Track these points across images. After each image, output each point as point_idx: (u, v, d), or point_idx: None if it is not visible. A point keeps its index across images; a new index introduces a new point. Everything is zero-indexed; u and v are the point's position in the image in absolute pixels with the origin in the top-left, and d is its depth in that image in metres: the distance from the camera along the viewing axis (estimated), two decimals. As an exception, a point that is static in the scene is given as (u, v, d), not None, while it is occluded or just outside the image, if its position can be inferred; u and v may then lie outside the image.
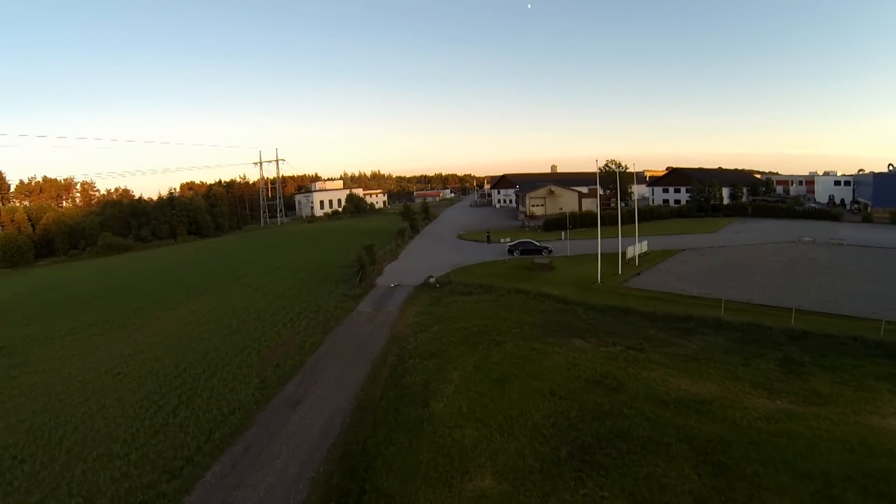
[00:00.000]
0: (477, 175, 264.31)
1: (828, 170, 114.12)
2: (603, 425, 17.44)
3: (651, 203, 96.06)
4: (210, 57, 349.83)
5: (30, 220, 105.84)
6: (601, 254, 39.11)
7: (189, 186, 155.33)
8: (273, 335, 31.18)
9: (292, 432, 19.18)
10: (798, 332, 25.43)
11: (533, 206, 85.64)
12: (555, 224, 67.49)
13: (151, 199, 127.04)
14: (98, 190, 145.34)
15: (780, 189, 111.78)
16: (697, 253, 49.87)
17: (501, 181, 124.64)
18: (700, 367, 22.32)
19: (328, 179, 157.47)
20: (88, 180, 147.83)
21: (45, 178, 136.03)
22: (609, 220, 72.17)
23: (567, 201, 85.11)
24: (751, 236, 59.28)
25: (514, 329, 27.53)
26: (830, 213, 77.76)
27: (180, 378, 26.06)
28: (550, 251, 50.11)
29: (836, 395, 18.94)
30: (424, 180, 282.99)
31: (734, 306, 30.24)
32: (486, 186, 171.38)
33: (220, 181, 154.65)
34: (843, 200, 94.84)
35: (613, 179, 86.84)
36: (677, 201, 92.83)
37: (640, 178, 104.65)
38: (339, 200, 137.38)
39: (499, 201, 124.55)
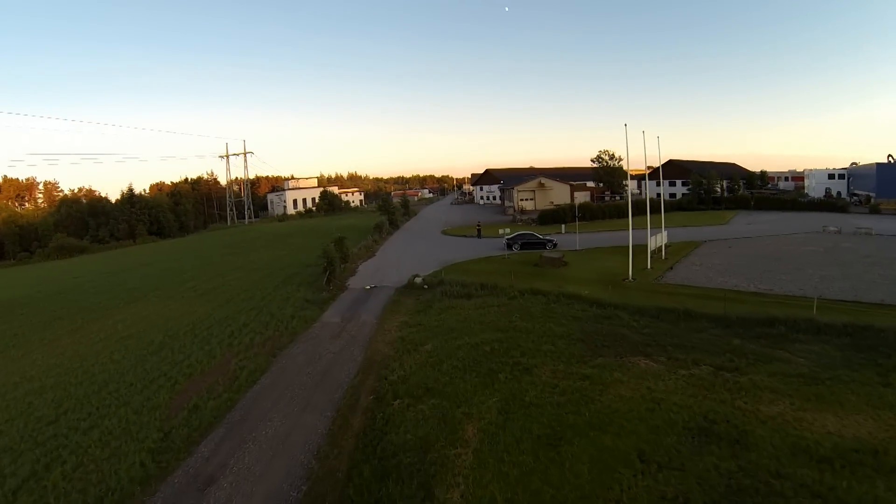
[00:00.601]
0: (456, 176, 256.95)
1: (792, 168, 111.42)
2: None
3: (644, 197, 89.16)
4: (185, 52, 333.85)
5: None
6: (618, 247, 31.06)
7: (159, 187, 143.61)
8: (202, 358, 21.92)
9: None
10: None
11: (522, 199, 77.43)
12: (551, 217, 59.31)
13: (110, 198, 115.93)
14: (62, 190, 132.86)
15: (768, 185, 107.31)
16: (722, 244, 43.10)
17: (484, 176, 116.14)
18: (831, 392, 14.37)
19: (303, 178, 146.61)
20: (52, 180, 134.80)
21: (4, 178, 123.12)
22: (610, 214, 65.89)
23: (558, 194, 77.21)
24: (765, 227, 53.37)
25: (545, 345, 18.79)
26: (837, 204, 73.49)
27: (50, 429, 16.94)
28: (556, 244, 41.80)
29: None
30: (402, 181, 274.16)
31: (822, 304, 22.48)
32: (467, 187, 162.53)
33: (186, 178, 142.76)
34: (839, 193, 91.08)
35: (605, 174, 79.84)
36: (672, 195, 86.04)
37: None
38: (314, 199, 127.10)
39: (482, 198, 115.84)
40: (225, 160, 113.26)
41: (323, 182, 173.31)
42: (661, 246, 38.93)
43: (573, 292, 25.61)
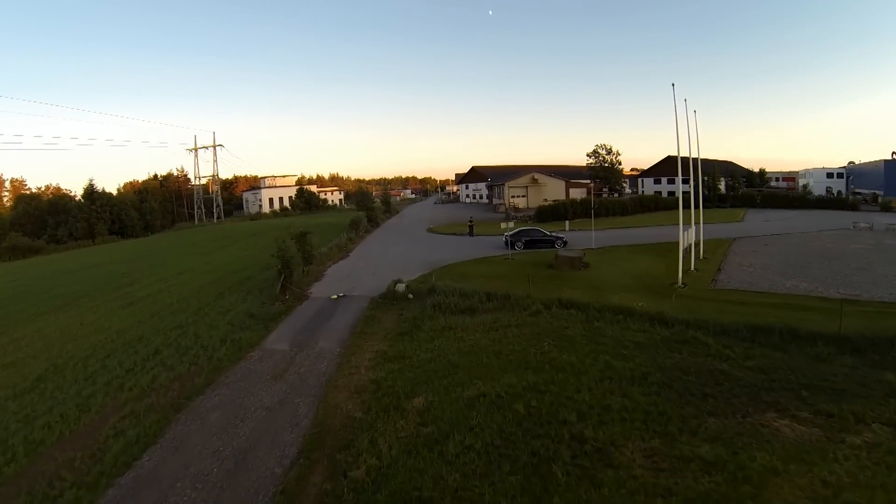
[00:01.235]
0: (439, 178, 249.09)
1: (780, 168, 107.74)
2: None
3: (642, 195, 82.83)
4: (179, 53, 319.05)
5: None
6: (638, 245, 24.04)
7: (132, 186, 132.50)
8: (71, 410, 13.88)
9: None
10: None
11: (513, 196, 69.99)
12: (550, 213, 51.90)
13: (75, 195, 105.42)
14: (30, 188, 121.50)
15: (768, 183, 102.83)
16: (754, 242, 36.50)
17: (470, 174, 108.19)
18: None
19: (280, 177, 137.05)
20: (19, 177, 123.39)
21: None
22: (614, 211, 58.94)
23: (552, 190, 70.13)
24: (785, 224, 47.44)
25: (613, 397, 11.15)
26: (846, 202, 69.03)
27: None
28: (566, 242, 34.35)
29: None
30: (384, 182, 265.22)
31: None
32: (452, 188, 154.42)
33: (155, 175, 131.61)
34: (839, 192, 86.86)
35: (600, 171, 73.02)
36: (671, 192, 79.73)
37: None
38: (291, 198, 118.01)
39: (467, 196, 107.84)
40: (194, 154, 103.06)
41: (303, 182, 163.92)
42: (692, 244, 32.22)
43: (620, 304, 18.02)
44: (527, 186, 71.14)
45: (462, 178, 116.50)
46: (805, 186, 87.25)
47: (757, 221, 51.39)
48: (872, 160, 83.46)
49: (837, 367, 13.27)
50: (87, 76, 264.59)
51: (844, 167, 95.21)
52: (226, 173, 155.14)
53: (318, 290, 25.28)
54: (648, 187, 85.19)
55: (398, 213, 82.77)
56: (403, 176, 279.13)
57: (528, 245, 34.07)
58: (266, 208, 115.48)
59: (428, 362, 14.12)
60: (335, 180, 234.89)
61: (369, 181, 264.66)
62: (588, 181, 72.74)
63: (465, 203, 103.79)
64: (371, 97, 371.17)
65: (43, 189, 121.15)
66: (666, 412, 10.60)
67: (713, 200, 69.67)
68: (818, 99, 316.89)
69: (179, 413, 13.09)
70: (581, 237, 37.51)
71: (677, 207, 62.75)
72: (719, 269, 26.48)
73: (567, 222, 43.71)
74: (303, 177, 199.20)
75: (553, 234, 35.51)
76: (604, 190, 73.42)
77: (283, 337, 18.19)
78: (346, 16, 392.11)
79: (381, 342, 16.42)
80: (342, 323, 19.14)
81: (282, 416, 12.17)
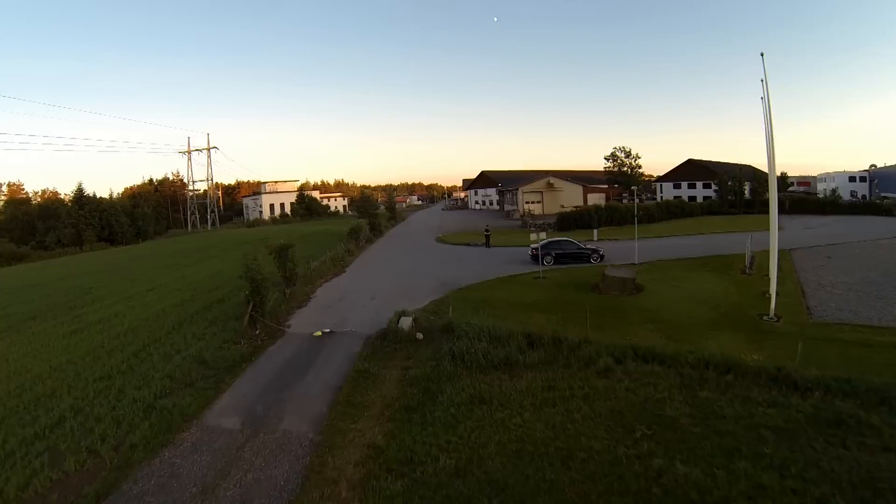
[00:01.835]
0: (446, 185, 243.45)
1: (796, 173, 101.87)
2: None
3: (660, 200, 76.92)
4: (178, 57, 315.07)
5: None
6: (684, 259, 19.11)
7: (132, 191, 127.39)
8: None
9: None
10: None
11: (528, 202, 64.14)
12: (573, 221, 45.91)
13: (67, 200, 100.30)
14: (27, 193, 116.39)
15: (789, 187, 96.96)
16: (815, 254, 30.26)
17: (479, 179, 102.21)
18: None
19: (282, 182, 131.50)
20: (16, 181, 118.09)
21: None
22: (640, 218, 52.88)
23: (569, 196, 64.32)
24: (829, 231, 41.53)
25: None
26: (882, 206, 62.88)
27: None
28: (603, 256, 28.48)
29: None
30: (390, 189, 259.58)
31: None
32: (460, 194, 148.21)
33: (150, 179, 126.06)
34: (863, 196, 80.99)
35: (619, 175, 67.36)
36: (692, 198, 73.76)
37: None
38: (292, 204, 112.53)
39: (477, 202, 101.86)
40: (196, 158, 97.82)
41: (307, 188, 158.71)
42: (748, 255, 26.31)
43: (723, 356, 12.00)
44: (542, 192, 65.34)
45: (471, 184, 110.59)
46: (834, 191, 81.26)
47: (797, 229, 45.49)
48: (897, 163, 78.01)
49: None
50: (99, 79, 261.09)
51: (867, 170, 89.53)
52: (227, 179, 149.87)
53: (299, 322, 19.35)
54: (668, 192, 78.92)
55: (404, 220, 77.08)
56: (409, 182, 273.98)
57: (557, 260, 28.15)
58: (266, 214, 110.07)
59: (453, 477, 8.22)
60: (340, 186, 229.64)
61: (375, 188, 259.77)
62: (605, 186, 66.88)
63: (475, 209, 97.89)
64: (377, 103, 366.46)
65: (39, 193, 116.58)
66: None
67: (740, 206, 64.09)
68: (830, 102, 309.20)
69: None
70: (613, 248, 31.70)
71: (703, 214, 54.81)
72: (803, 293, 20.53)
73: (595, 231, 37.83)
74: (307, 183, 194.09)
75: (586, 245, 29.59)
76: (624, 195, 67.49)
77: (237, 403, 12.25)
78: (353, 21, 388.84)
79: (377, 424, 10.46)
80: (322, 382, 13.15)
81: None
